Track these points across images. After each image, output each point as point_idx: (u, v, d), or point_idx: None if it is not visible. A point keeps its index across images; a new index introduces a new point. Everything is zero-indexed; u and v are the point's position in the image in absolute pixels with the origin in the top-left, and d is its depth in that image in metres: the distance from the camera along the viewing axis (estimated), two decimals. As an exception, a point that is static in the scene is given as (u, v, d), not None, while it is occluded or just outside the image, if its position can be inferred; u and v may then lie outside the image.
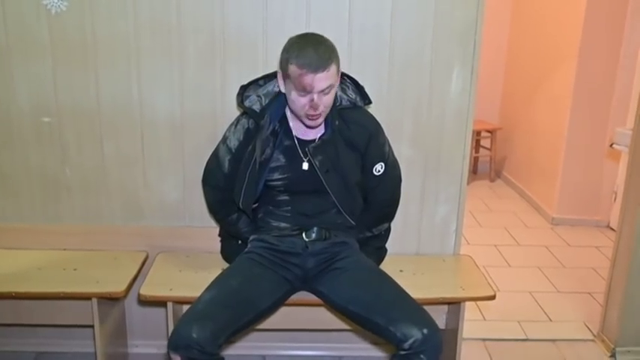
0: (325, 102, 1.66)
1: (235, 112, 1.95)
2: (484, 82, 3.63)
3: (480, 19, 2.02)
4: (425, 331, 1.56)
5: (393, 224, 2.07)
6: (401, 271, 2.07)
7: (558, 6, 4.15)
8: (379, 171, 1.88)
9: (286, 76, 1.65)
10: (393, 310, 1.64)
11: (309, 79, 1.59)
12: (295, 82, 1.61)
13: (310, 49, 1.59)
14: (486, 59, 3.43)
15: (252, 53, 2.04)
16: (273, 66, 1.97)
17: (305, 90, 1.61)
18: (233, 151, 1.85)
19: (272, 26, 2.01)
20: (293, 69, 1.60)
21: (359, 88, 1.86)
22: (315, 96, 1.62)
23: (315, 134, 1.81)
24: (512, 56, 5.13)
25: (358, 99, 1.86)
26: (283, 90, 1.72)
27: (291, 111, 1.75)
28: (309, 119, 1.69)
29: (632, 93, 3.76)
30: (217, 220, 2.07)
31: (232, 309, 1.64)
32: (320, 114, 1.68)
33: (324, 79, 1.60)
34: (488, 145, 5.18)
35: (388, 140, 1.92)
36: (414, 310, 1.64)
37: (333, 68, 1.62)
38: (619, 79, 3.82)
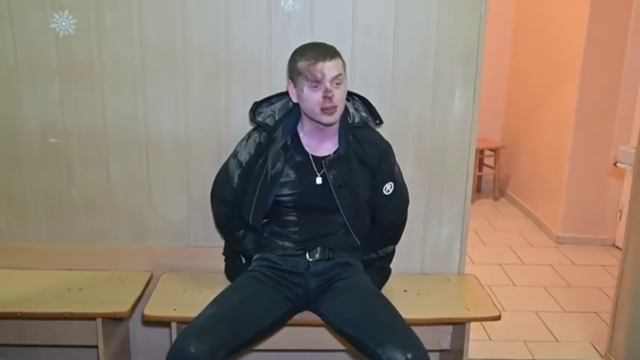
0: (338, 95, 1.71)
1: (240, 133, 1.97)
2: (487, 101, 3.63)
3: (482, 38, 2.04)
4: (409, 355, 1.52)
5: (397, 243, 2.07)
6: (405, 290, 2.06)
7: (560, 25, 4.18)
8: (389, 190, 1.89)
9: (297, 76, 1.70)
10: (382, 333, 1.62)
11: (319, 66, 1.67)
12: (306, 74, 1.67)
13: (313, 46, 1.73)
14: (489, 78, 3.45)
15: (256, 74, 2.06)
16: (278, 86, 2.00)
17: (316, 79, 1.67)
18: (243, 165, 1.86)
19: (276, 47, 2.04)
20: (302, 64, 1.68)
21: (370, 109, 1.89)
22: (328, 84, 1.68)
23: (327, 150, 1.83)
24: (514, 75, 5.16)
25: (370, 119, 1.90)
26: (295, 100, 1.76)
27: (306, 114, 1.76)
28: (326, 114, 1.71)
29: (635, 111, 3.77)
30: (224, 235, 2.07)
31: (232, 325, 1.64)
32: (336, 107, 1.71)
33: (333, 67, 1.68)
34: (492, 164, 5.18)
35: (397, 163, 1.94)
36: (402, 334, 1.61)
37: (339, 60, 1.71)
38: (622, 98, 3.83)
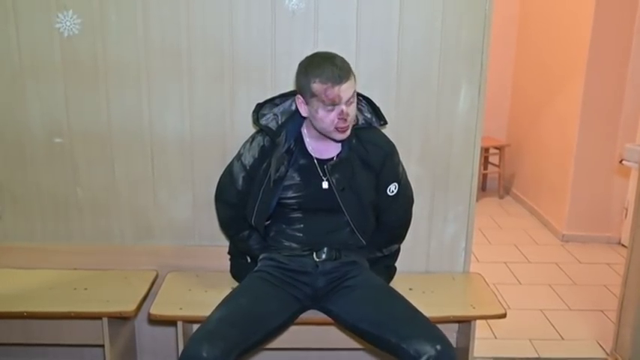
0: (351, 114, 1.70)
1: (244, 133, 1.97)
2: (492, 99, 3.64)
3: (486, 37, 2.04)
4: (438, 347, 1.55)
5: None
6: (410, 289, 2.06)
7: (565, 22, 4.17)
8: (393, 191, 1.89)
9: (310, 97, 1.67)
10: (405, 327, 1.63)
11: (335, 90, 1.64)
12: (322, 98, 1.64)
13: (328, 64, 1.65)
14: (493, 76, 3.45)
15: (260, 75, 2.06)
16: (282, 87, 2.00)
17: (334, 103, 1.65)
18: (247, 168, 1.86)
19: (280, 48, 2.04)
20: (317, 87, 1.64)
21: (374, 109, 1.88)
22: (344, 106, 1.66)
23: (332, 153, 1.83)
24: (519, 73, 5.14)
25: (374, 119, 1.89)
26: (305, 114, 1.74)
27: (318, 130, 1.75)
28: (340, 132, 1.71)
29: (640, 109, 3.76)
30: (228, 236, 2.07)
31: (242, 328, 1.64)
32: (348, 125, 1.71)
33: (348, 89, 1.66)
34: (497, 162, 5.17)
35: (401, 161, 1.94)
36: (426, 327, 1.63)
37: (352, 78, 1.68)
38: (627, 95, 3.81)
